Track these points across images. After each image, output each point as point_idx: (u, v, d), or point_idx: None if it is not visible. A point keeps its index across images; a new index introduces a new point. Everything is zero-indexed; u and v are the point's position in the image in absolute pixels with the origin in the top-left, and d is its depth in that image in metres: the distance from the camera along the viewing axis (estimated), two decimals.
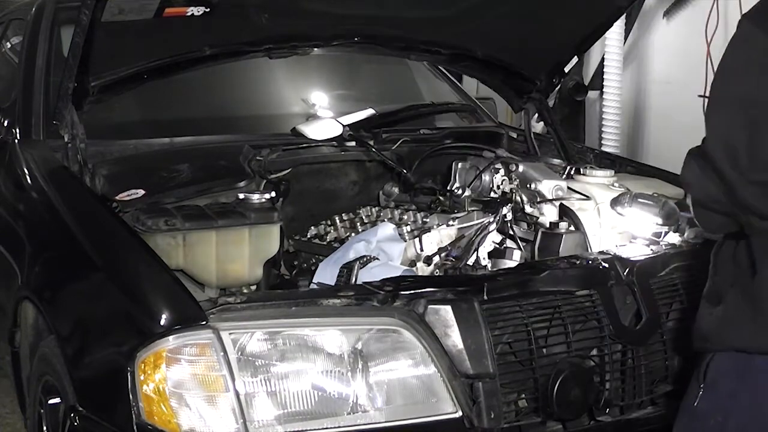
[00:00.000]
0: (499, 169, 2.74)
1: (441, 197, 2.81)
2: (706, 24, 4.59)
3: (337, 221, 2.84)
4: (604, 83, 4.90)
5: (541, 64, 3.26)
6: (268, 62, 3.14)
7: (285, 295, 2.20)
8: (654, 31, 5.12)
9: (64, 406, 2.18)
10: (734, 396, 1.58)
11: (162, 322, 1.90)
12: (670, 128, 5.01)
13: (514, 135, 3.50)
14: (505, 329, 2.06)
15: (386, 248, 2.47)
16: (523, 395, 2.08)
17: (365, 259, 2.37)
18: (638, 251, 2.35)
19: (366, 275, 2.31)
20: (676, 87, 4.96)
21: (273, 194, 2.64)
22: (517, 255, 2.44)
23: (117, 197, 2.51)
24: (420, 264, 2.49)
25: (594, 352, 2.16)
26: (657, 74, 5.15)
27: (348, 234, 2.77)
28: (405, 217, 2.77)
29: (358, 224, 2.82)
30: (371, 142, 2.97)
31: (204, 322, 1.89)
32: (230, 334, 1.89)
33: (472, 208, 2.67)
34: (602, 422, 2.15)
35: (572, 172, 2.78)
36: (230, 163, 2.77)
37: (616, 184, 2.68)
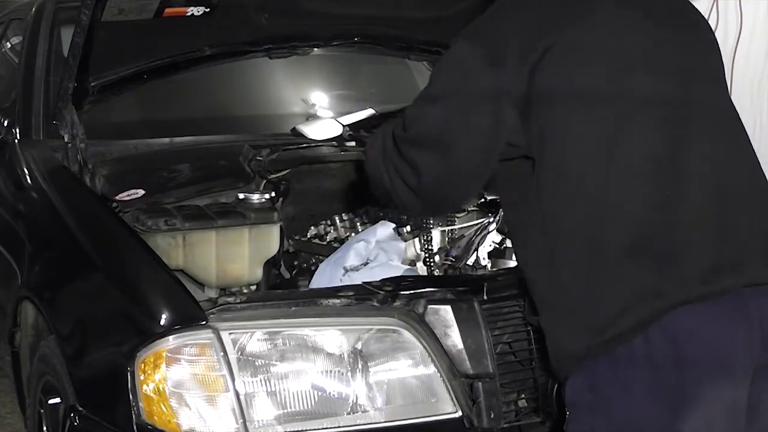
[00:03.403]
0: None
1: None
2: None
3: (337, 221, 2.83)
4: None
5: None
6: (268, 62, 3.14)
7: (285, 295, 2.21)
8: None
9: (64, 406, 2.18)
10: (592, 408, 1.59)
11: (162, 322, 1.90)
12: None
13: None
14: (505, 329, 2.05)
15: (386, 248, 2.47)
16: (523, 395, 2.08)
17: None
18: None
19: (366, 275, 2.31)
20: None
21: (273, 194, 2.63)
22: None
23: (117, 197, 2.51)
24: (420, 264, 2.48)
25: None
26: None
27: (348, 234, 2.77)
28: (405, 216, 2.76)
29: (358, 224, 2.81)
30: None
31: (204, 322, 1.89)
32: (230, 334, 1.89)
33: (472, 208, 2.67)
34: None
35: None
36: (230, 163, 2.77)
37: None
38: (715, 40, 1.73)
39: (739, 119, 1.68)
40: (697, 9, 1.73)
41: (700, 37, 1.69)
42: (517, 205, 1.65)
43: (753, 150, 1.65)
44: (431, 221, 2.60)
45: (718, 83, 1.67)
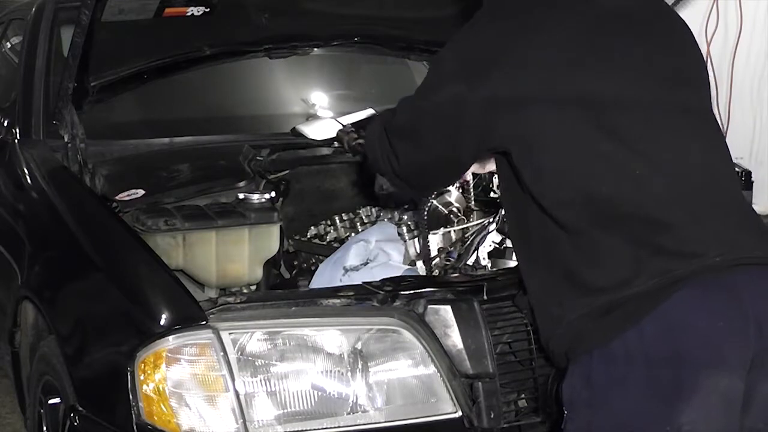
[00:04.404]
0: None
1: None
2: (706, 24, 4.59)
3: (337, 221, 2.83)
4: None
5: None
6: (268, 62, 3.14)
7: (285, 295, 2.21)
8: None
9: (64, 406, 2.18)
10: (590, 405, 1.61)
11: (162, 322, 1.90)
12: None
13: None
14: (505, 329, 2.05)
15: (386, 248, 2.47)
16: (523, 395, 2.08)
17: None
18: None
19: (366, 275, 2.32)
20: None
21: (273, 194, 2.63)
22: None
23: (117, 197, 2.51)
24: (420, 264, 2.48)
25: None
26: None
27: (348, 234, 2.77)
28: (405, 217, 2.77)
29: (358, 224, 2.81)
30: None
31: (204, 322, 1.89)
32: (230, 334, 1.89)
33: (472, 208, 2.67)
34: None
35: None
36: (230, 163, 2.77)
37: None
38: (695, 44, 1.80)
39: (711, 115, 1.76)
40: (673, 11, 1.81)
41: (673, 38, 1.75)
42: (509, 192, 1.76)
43: (724, 143, 1.73)
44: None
45: (689, 82, 1.73)
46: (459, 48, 1.71)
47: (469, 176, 2.45)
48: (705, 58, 4.36)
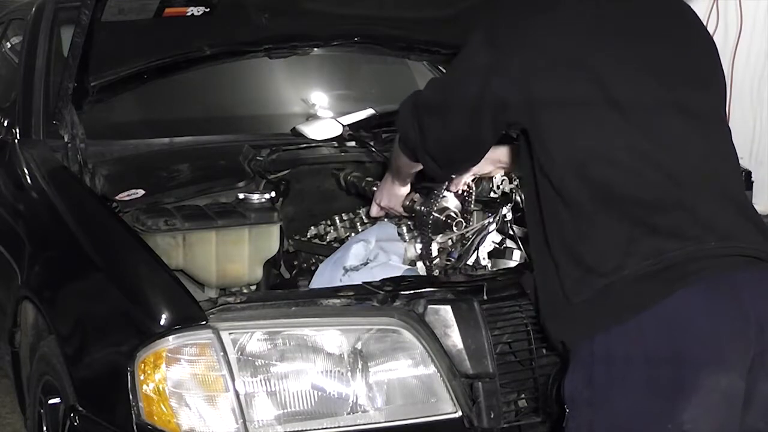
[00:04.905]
0: None
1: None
2: (706, 24, 4.59)
3: (337, 221, 2.83)
4: None
5: None
6: (268, 62, 3.14)
7: (285, 295, 2.21)
8: None
9: (64, 406, 2.18)
10: (591, 404, 1.62)
11: (162, 322, 1.90)
12: None
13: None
14: (505, 329, 2.06)
15: (386, 248, 2.47)
16: (523, 395, 2.08)
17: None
18: None
19: (366, 275, 2.32)
20: None
21: (273, 194, 2.63)
22: (517, 255, 2.44)
23: (117, 197, 2.51)
24: (420, 264, 2.48)
25: None
26: None
27: (348, 234, 2.77)
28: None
29: (358, 224, 2.81)
30: (371, 142, 2.97)
31: (204, 322, 1.89)
32: (230, 334, 1.89)
33: (473, 208, 2.67)
34: None
35: None
36: (230, 163, 2.77)
37: None
38: (708, 44, 1.81)
39: (718, 116, 1.77)
40: (693, 11, 1.81)
41: (681, 39, 1.77)
42: (524, 169, 1.82)
43: (729, 145, 1.75)
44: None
45: (693, 83, 1.74)
46: (493, 35, 1.77)
47: (469, 180, 2.46)
48: None
